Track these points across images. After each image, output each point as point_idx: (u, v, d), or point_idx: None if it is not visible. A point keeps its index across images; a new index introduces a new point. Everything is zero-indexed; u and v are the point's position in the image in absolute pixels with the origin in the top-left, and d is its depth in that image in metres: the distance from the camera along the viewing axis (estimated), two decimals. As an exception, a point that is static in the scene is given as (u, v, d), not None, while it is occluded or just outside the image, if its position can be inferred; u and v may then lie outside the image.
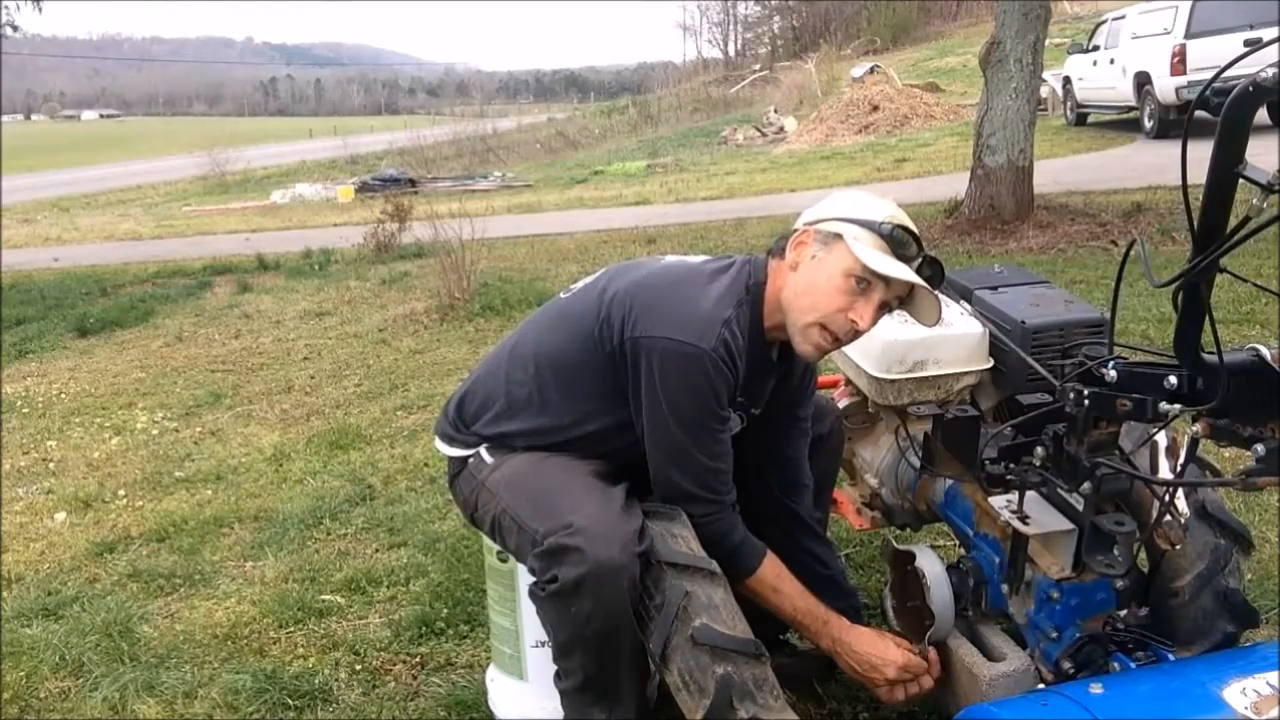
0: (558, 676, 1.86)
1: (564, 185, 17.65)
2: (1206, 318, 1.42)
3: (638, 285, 1.88)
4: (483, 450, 1.98)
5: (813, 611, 1.91)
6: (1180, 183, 1.33)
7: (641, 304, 1.83)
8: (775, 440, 2.09)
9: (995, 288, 2.26)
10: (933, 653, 1.94)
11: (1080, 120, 15.99)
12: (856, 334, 1.83)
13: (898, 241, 1.78)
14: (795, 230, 1.87)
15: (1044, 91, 14.61)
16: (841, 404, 2.48)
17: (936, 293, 1.85)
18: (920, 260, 1.81)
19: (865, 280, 1.77)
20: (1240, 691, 1.43)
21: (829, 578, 2.13)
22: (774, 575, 1.90)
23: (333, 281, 8.57)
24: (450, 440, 2.05)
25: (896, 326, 2.13)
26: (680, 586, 1.69)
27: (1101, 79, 14.73)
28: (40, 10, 14.31)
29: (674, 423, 1.79)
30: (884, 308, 1.83)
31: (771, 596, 1.90)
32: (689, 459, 1.82)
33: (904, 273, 1.77)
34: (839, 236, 1.79)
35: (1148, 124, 13.31)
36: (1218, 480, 1.89)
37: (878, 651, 1.89)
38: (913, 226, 1.82)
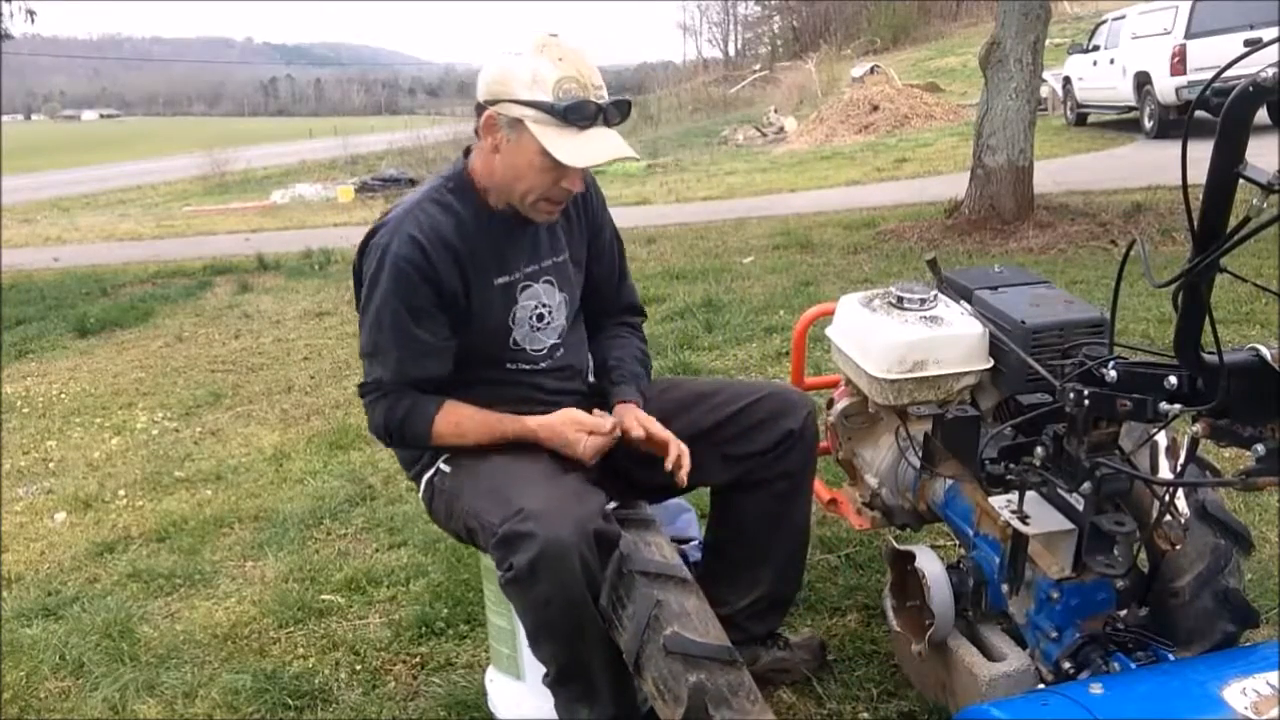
0: (545, 674, 1.88)
1: (564, 185, 17.59)
2: (1206, 318, 1.42)
3: None
4: (441, 464, 2.02)
5: (494, 426, 1.95)
6: (1180, 183, 1.33)
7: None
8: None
9: (995, 288, 2.26)
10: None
11: (1080, 120, 15.98)
12: (576, 191, 1.91)
13: (578, 114, 1.77)
14: (480, 107, 1.85)
15: (1044, 91, 14.59)
16: (841, 404, 2.48)
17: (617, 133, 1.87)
18: (604, 108, 1.80)
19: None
20: (1240, 691, 1.42)
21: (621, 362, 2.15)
22: (452, 422, 1.95)
23: (333, 281, 8.55)
24: (410, 468, 2.10)
25: (897, 326, 2.13)
26: (651, 595, 1.70)
27: (1101, 79, 14.73)
28: (33, 20, 14.27)
29: (370, 320, 1.93)
30: None
31: (459, 440, 1.95)
32: (382, 354, 1.93)
33: (586, 160, 1.80)
34: (521, 122, 1.79)
35: (1148, 124, 13.31)
36: (1218, 480, 1.89)
37: (559, 421, 1.93)
38: (584, 73, 1.78)
